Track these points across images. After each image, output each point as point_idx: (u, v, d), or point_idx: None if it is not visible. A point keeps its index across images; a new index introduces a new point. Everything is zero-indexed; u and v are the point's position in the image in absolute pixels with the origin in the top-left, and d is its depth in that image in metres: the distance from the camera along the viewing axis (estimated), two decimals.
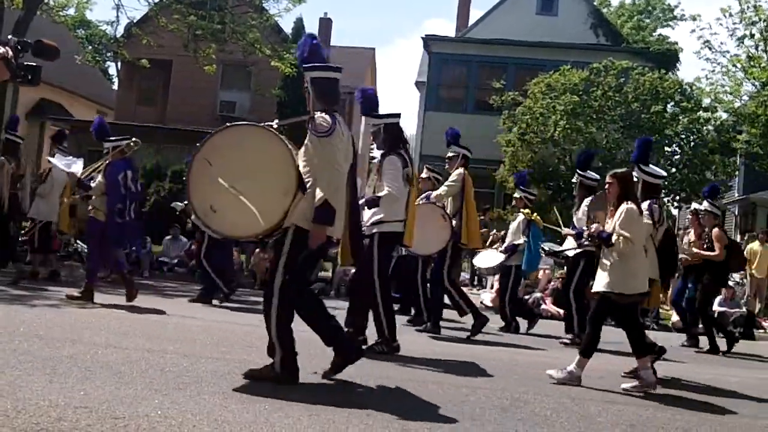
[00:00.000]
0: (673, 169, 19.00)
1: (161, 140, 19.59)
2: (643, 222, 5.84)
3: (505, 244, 9.45)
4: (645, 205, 6.29)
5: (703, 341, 9.32)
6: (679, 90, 19.23)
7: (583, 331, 6.32)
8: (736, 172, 21.05)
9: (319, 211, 4.36)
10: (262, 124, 4.61)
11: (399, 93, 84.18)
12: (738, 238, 22.19)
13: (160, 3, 18.17)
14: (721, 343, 9.20)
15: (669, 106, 19.43)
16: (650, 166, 6.59)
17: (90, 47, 31.81)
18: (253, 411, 3.75)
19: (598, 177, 8.33)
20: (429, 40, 24.58)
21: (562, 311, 12.06)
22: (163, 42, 17.36)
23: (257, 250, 12.83)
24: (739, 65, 19.46)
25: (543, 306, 12.33)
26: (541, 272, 12.84)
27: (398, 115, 6.49)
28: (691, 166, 18.76)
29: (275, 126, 4.57)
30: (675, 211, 26.44)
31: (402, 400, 4.41)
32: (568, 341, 8.13)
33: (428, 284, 8.52)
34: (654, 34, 37.16)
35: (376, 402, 4.27)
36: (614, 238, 5.51)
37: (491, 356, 6.70)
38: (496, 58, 23.54)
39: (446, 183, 8.05)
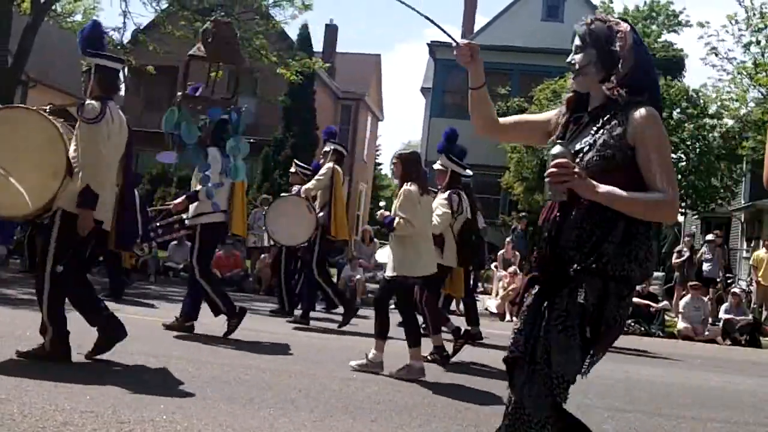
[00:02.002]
0: (679, 176, 18.95)
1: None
2: (425, 204, 5.59)
3: None
4: (446, 194, 6.28)
5: None
6: (685, 97, 19.19)
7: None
8: (743, 179, 20.98)
9: (82, 195, 4.43)
10: (34, 107, 4.64)
11: (405, 99, 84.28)
12: (744, 245, 22.19)
13: (167, 10, 18.23)
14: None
15: (675, 112, 19.38)
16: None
17: None
18: (258, 417, 3.76)
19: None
20: (434, 47, 24.59)
21: None
22: (169, 48, 17.40)
23: (262, 255, 12.82)
24: (745, 72, 19.40)
25: None
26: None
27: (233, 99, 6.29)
28: (696, 173, 18.70)
29: (48, 110, 4.62)
30: (680, 218, 26.31)
31: (405, 406, 4.41)
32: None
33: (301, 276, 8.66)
34: (659, 40, 37.08)
35: (377, 407, 4.28)
36: (396, 221, 5.34)
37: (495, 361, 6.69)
38: (502, 64, 23.54)
39: (315, 177, 8.16)
